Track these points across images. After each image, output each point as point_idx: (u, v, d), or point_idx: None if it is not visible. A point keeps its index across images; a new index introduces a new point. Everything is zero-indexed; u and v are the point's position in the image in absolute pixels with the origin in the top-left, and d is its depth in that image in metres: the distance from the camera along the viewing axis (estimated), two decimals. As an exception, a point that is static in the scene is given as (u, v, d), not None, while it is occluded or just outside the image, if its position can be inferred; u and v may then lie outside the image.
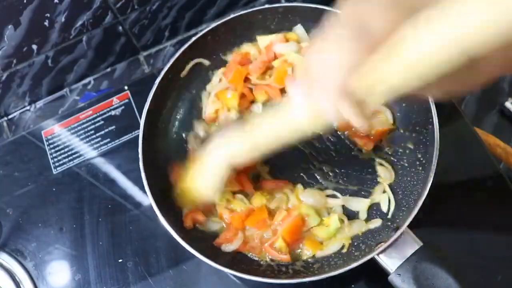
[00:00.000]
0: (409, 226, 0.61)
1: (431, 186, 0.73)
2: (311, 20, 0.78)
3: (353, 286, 0.68)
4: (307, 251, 0.68)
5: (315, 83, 0.38)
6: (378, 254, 0.60)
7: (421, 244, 0.60)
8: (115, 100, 0.89)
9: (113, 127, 0.87)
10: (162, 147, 0.77)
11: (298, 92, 0.41)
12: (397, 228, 0.62)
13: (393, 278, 0.59)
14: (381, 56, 0.34)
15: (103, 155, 0.85)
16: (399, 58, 0.33)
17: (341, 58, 0.36)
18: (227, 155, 0.56)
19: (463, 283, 0.56)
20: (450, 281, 0.56)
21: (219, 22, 0.79)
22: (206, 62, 0.82)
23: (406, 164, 0.72)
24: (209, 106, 0.78)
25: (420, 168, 0.69)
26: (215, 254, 0.68)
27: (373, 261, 0.61)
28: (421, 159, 0.69)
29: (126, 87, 0.90)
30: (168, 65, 0.76)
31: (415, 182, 0.69)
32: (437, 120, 0.66)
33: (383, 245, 0.60)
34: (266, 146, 0.52)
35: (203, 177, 0.60)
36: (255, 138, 0.52)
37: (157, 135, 0.77)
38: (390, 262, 0.60)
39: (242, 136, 0.53)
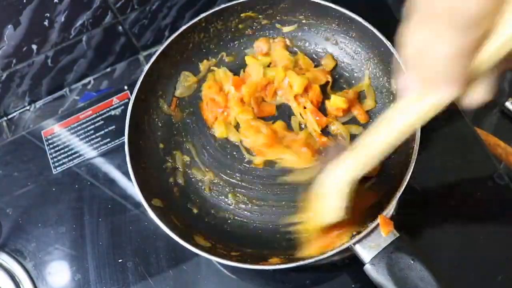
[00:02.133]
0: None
1: (430, 185, 0.73)
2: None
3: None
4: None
5: (432, 75, 0.38)
6: (354, 244, 0.59)
7: (397, 235, 0.59)
8: (115, 100, 0.89)
9: (113, 127, 0.87)
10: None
11: (412, 86, 0.41)
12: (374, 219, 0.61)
13: (368, 268, 0.58)
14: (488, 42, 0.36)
15: (103, 155, 0.85)
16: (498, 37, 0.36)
17: (449, 49, 0.35)
18: (345, 177, 0.54)
19: (438, 275, 0.55)
20: (424, 273, 0.55)
21: (230, 4, 0.77)
22: None
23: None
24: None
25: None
26: (216, 251, 0.67)
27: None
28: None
29: (126, 87, 0.90)
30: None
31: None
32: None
33: (360, 235, 0.59)
34: (381, 154, 0.50)
35: (328, 206, 0.58)
36: (368, 151, 0.51)
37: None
38: (365, 252, 0.59)
39: (353, 155, 0.52)
